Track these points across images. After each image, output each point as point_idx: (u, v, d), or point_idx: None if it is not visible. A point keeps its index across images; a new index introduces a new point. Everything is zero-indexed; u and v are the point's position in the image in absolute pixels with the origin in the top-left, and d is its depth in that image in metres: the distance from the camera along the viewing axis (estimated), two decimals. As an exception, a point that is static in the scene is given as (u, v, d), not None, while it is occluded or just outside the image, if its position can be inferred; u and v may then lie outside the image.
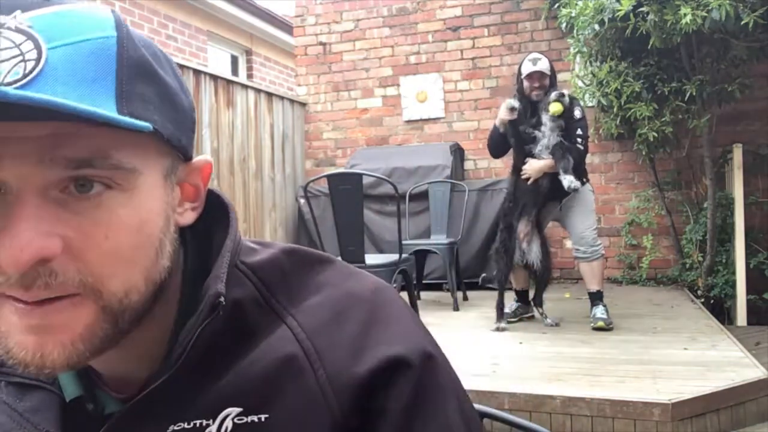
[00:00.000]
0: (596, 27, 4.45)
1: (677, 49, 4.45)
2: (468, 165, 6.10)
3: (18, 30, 0.44)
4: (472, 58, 6.11)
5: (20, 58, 0.43)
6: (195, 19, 7.24)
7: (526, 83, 3.83)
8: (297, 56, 6.74)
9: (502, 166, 6.00)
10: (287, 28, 8.03)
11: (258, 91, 5.77)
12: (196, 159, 0.55)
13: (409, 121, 6.30)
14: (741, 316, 4.46)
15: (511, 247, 3.81)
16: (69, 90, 0.43)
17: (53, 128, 0.43)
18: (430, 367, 0.53)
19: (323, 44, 6.58)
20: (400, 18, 6.32)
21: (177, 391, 0.50)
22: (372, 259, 3.72)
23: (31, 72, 0.43)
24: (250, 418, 0.51)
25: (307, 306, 0.56)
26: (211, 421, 0.50)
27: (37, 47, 0.43)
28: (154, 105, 0.49)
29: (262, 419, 0.51)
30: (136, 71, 0.48)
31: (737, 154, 4.62)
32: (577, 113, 3.79)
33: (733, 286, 4.60)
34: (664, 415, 2.46)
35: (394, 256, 3.74)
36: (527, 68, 3.82)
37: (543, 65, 3.81)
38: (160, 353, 0.53)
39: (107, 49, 0.46)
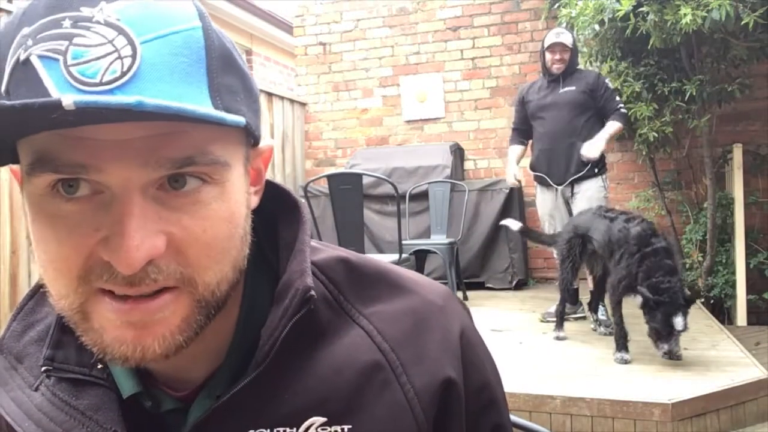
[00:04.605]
0: (596, 27, 4.45)
1: (677, 49, 4.45)
2: (468, 165, 6.10)
3: (107, 24, 0.42)
4: (472, 58, 6.11)
5: (115, 55, 0.42)
6: (195, 19, 7.22)
7: (548, 56, 3.92)
8: (297, 56, 6.74)
9: (502, 166, 6.00)
10: (287, 28, 8.03)
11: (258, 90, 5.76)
12: (261, 144, 0.54)
13: (409, 121, 6.30)
14: (741, 316, 4.46)
15: (579, 257, 3.51)
16: (168, 87, 0.42)
17: (155, 129, 0.43)
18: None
19: (323, 44, 6.58)
20: (400, 18, 6.32)
21: (258, 391, 0.49)
22: (372, 259, 3.72)
23: (128, 70, 0.42)
24: (333, 428, 0.50)
25: (384, 312, 0.55)
26: (294, 430, 0.50)
27: (131, 42, 0.42)
28: (240, 96, 0.48)
29: (345, 430, 0.50)
30: (223, 62, 0.47)
31: (737, 154, 4.62)
32: (609, 84, 3.97)
33: (733, 286, 4.59)
34: (664, 415, 2.46)
35: (394, 256, 3.74)
36: (550, 39, 3.90)
37: (566, 38, 3.88)
38: (222, 348, 0.53)
39: (196, 42, 0.45)
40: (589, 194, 3.82)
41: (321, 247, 0.59)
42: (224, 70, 0.47)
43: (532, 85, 4.14)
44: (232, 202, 0.48)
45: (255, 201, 0.54)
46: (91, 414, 0.51)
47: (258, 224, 0.54)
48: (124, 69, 0.42)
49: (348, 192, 3.47)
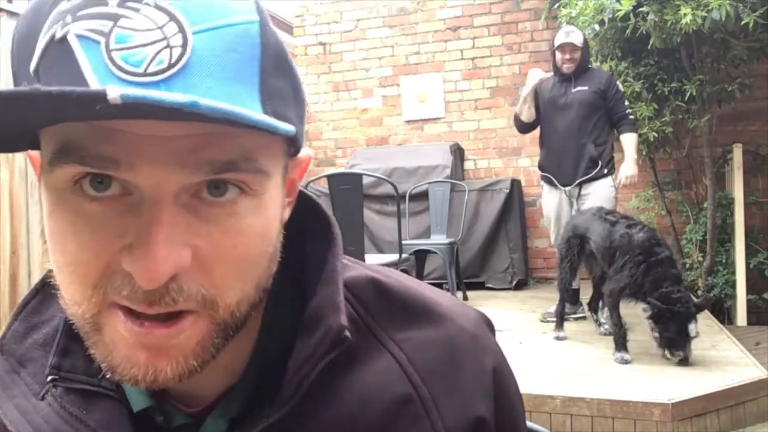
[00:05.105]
0: (596, 27, 4.45)
1: (677, 49, 4.45)
2: (468, 165, 6.10)
3: (158, 7, 0.38)
4: (472, 58, 6.11)
5: (164, 43, 0.37)
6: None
7: (558, 55, 3.91)
8: (297, 56, 6.74)
9: (502, 166, 6.01)
10: (287, 28, 8.03)
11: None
12: (301, 153, 0.49)
13: (409, 121, 6.30)
14: (741, 316, 4.46)
15: (578, 257, 3.54)
16: (217, 85, 0.38)
17: (199, 128, 0.38)
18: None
19: (323, 44, 6.58)
20: (400, 18, 6.32)
21: (284, 425, 0.46)
22: (372, 259, 3.73)
23: (177, 62, 0.37)
24: None
25: (416, 339, 0.51)
26: None
27: (182, 31, 0.38)
28: (289, 101, 0.44)
29: None
30: (276, 63, 0.43)
31: (737, 154, 4.62)
32: (620, 86, 3.97)
33: (733, 286, 4.59)
34: (664, 415, 2.46)
35: (394, 256, 3.75)
36: (560, 39, 3.88)
37: (576, 38, 3.86)
38: (237, 365, 0.49)
39: (252, 38, 0.41)
40: (598, 194, 3.82)
41: (350, 264, 0.55)
42: (277, 72, 0.43)
43: (546, 80, 4.08)
44: (268, 217, 0.44)
45: (287, 214, 0.50)
46: (101, 430, 0.48)
47: (284, 236, 0.50)
48: (173, 60, 0.37)
49: (348, 192, 3.47)
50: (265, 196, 0.43)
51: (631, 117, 3.97)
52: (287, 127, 0.40)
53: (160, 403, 0.50)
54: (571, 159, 3.87)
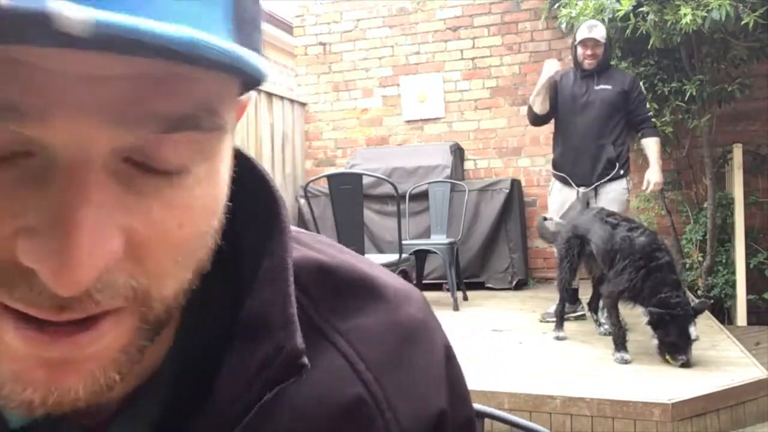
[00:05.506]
0: (596, 27, 4.45)
1: (677, 49, 4.45)
2: (468, 165, 6.10)
3: None
4: (472, 58, 6.11)
5: None
6: (195, 19, 7.21)
7: (579, 50, 3.82)
8: (297, 56, 6.74)
9: (502, 166, 6.01)
10: (287, 28, 8.04)
11: (258, 90, 5.76)
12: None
13: (409, 121, 6.30)
14: (741, 316, 4.46)
15: (577, 257, 3.51)
16: (176, 5, 0.27)
17: (138, 66, 0.27)
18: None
19: (323, 44, 6.58)
20: (400, 18, 6.32)
21: None
22: (372, 259, 3.72)
23: None
24: None
25: (363, 329, 0.44)
26: None
27: None
28: (259, 33, 0.34)
29: None
30: None
31: (737, 154, 4.63)
32: (643, 88, 3.91)
33: (733, 286, 4.60)
34: (664, 415, 2.46)
35: (394, 256, 3.75)
36: (582, 34, 3.78)
37: (599, 32, 3.75)
38: (149, 364, 0.38)
39: None
40: (612, 196, 3.79)
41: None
42: None
43: (567, 73, 3.94)
44: (219, 185, 0.34)
45: None
46: None
47: None
48: None
49: (348, 192, 3.47)
50: (216, 158, 0.33)
51: (653, 120, 3.92)
52: (267, 70, 0.31)
53: (46, 416, 0.36)
54: (589, 159, 3.80)
